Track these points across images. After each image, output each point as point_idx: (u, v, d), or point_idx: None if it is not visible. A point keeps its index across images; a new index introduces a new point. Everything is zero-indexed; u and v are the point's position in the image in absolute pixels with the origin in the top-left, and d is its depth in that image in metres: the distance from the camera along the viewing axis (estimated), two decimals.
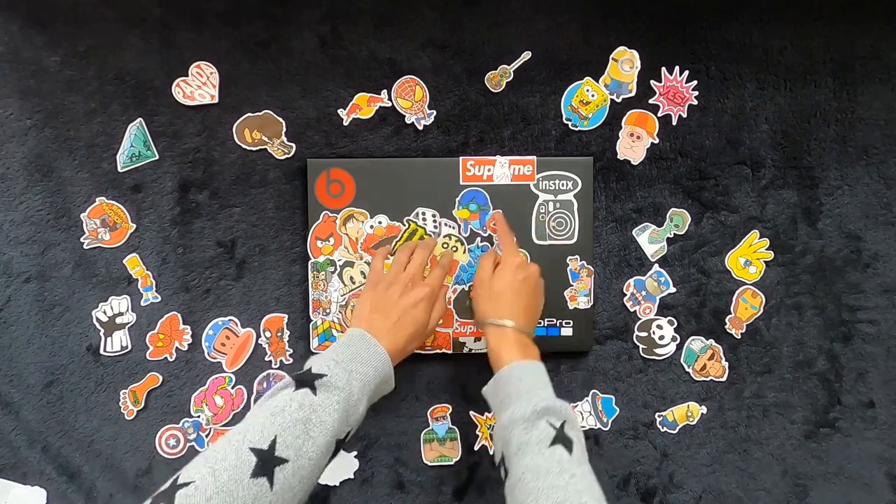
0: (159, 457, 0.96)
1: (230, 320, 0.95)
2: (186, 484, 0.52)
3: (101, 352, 0.94)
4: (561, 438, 0.65)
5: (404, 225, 0.93)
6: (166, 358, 0.95)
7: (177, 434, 0.96)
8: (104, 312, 0.95)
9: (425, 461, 0.97)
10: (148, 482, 0.96)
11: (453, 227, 0.93)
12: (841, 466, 0.97)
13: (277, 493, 0.55)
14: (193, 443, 0.96)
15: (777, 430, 0.97)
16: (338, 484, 0.96)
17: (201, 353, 0.95)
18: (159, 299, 0.95)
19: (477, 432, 0.97)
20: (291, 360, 0.96)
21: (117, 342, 0.95)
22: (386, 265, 0.84)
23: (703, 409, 0.97)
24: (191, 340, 0.95)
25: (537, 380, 0.73)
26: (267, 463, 0.56)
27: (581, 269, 0.94)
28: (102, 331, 0.95)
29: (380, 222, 0.93)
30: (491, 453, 0.97)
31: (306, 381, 0.64)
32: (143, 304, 0.95)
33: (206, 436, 0.96)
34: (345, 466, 0.96)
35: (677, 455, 0.97)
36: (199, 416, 0.95)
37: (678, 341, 0.97)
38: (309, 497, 0.98)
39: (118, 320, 0.95)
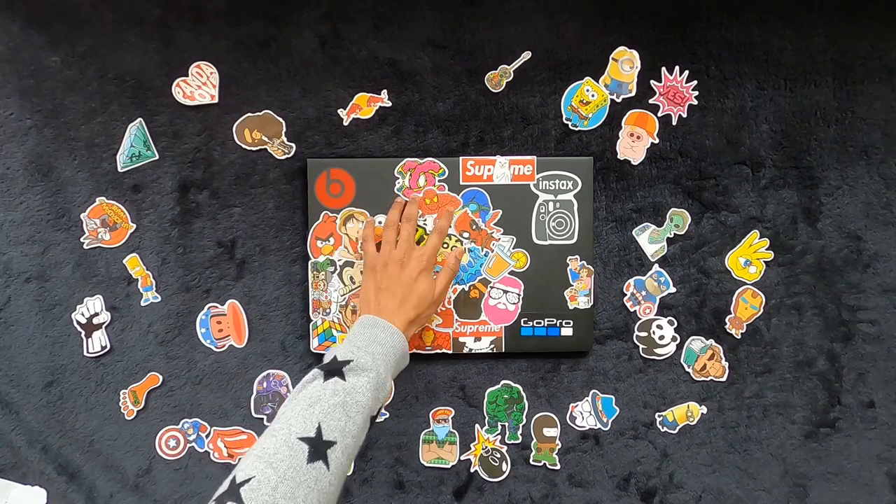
0: (159, 457, 0.96)
1: (210, 306, 0.95)
2: (247, 480, 0.55)
3: (85, 353, 0.94)
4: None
5: None
6: (167, 358, 0.95)
7: (177, 435, 0.96)
8: (82, 314, 0.94)
9: (422, 461, 0.97)
10: (148, 482, 0.96)
11: (452, 227, 0.93)
12: (841, 466, 0.97)
13: (333, 472, 0.60)
14: (193, 444, 0.96)
15: (777, 430, 0.97)
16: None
17: (203, 353, 0.95)
18: (159, 299, 0.95)
19: (471, 445, 0.97)
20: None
21: (97, 342, 0.95)
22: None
23: (703, 409, 0.97)
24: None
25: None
26: (319, 448, 0.60)
27: (581, 269, 0.94)
28: (83, 332, 0.94)
29: (380, 222, 0.93)
30: (472, 470, 0.97)
31: (334, 369, 0.68)
32: (143, 303, 0.95)
33: (206, 436, 0.96)
34: None
35: (677, 455, 0.97)
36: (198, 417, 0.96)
37: (678, 341, 0.97)
38: None
39: (95, 321, 0.94)
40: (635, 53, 0.94)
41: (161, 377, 0.96)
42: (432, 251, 0.86)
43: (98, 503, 0.96)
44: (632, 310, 0.97)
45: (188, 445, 0.96)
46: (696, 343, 0.97)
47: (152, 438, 0.96)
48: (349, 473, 0.68)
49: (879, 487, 0.98)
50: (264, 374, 0.96)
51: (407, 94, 0.95)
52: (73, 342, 0.95)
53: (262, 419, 0.96)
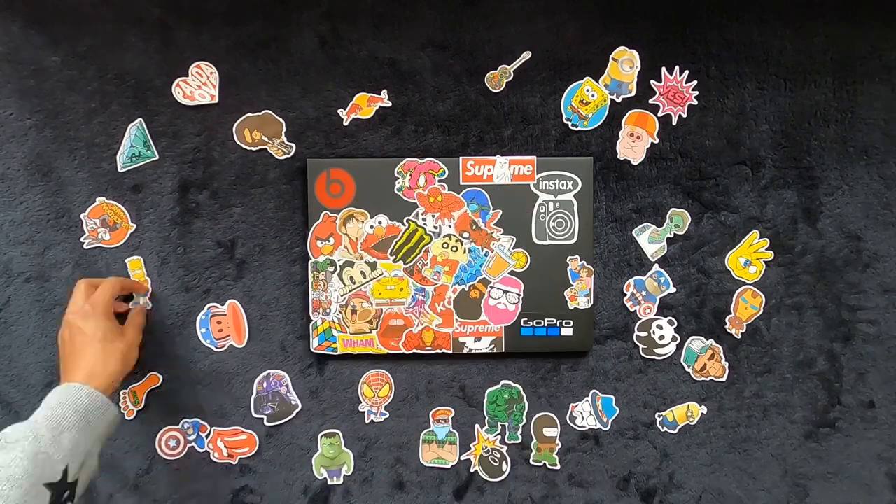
0: (159, 457, 0.96)
1: (210, 306, 0.95)
2: None
3: None
4: None
5: (404, 225, 0.93)
6: (167, 358, 0.95)
7: (177, 435, 0.96)
8: None
9: (422, 461, 0.97)
10: (148, 482, 0.96)
11: (453, 227, 0.93)
12: (841, 466, 0.97)
13: None
14: (194, 444, 0.96)
15: (777, 430, 0.97)
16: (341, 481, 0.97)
17: (203, 353, 0.95)
18: (150, 307, 0.95)
19: (471, 445, 0.97)
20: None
21: None
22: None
23: (703, 409, 0.97)
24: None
25: None
26: None
27: (581, 269, 0.94)
28: None
29: (380, 222, 0.93)
30: (472, 470, 0.97)
31: None
32: (130, 306, 0.94)
33: (206, 436, 0.96)
34: None
35: (677, 455, 0.97)
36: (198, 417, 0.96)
37: (678, 341, 0.97)
38: (308, 496, 0.99)
39: None
40: (635, 53, 0.94)
41: (161, 377, 0.96)
42: (101, 299, 0.82)
43: (98, 503, 0.96)
44: (632, 310, 0.97)
45: (188, 445, 0.96)
46: (696, 343, 0.97)
47: (152, 438, 0.96)
48: None
49: (879, 487, 0.98)
50: (264, 374, 0.96)
51: (407, 94, 0.95)
52: None
53: (262, 419, 0.96)
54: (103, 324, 0.81)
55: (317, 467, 0.96)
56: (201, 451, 0.96)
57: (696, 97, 0.95)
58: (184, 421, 0.96)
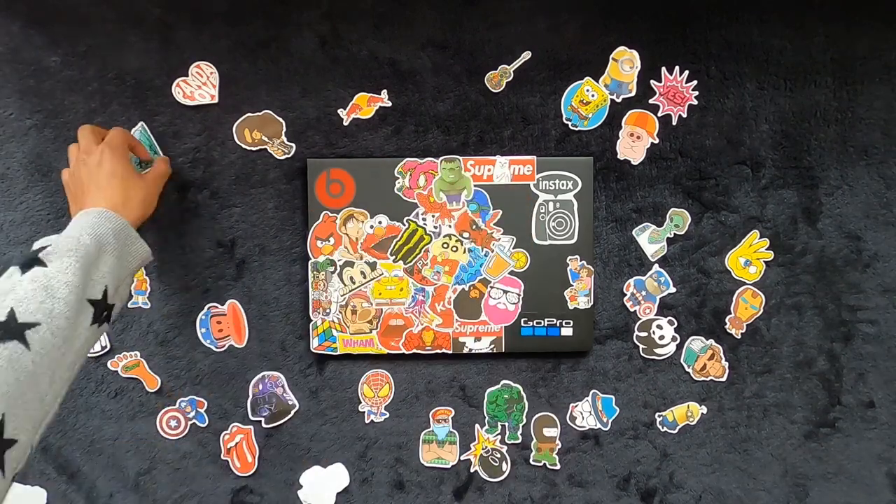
0: (160, 456, 0.96)
1: (210, 306, 0.95)
2: None
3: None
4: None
5: (404, 225, 0.93)
6: (167, 358, 0.95)
7: (177, 416, 0.95)
8: None
9: (422, 461, 0.97)
10: (148, 482, 0.96)
11: (453, 227, 0.93)
12: (841, 466, 0.97)
13: (38, 351, 0.57)
14: (195, 420, 0.96)
15: (777, 430, 0.97)
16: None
17: (203, 353, 0.95)
18: (149, 305, 0.95)
19: (471, 445, 0.97)
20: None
21: (97, 343, 0.94)
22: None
23: (703, 409, 0.97)
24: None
25: None
26: (10, 330, 0.56)
27: (581, 269, 0.94)
28: None
29: (380, 222, 0.93)
30: (472, 470, 0.97)
31: (30, 260, 0.63)
32: (129, 305, 0.94)
33: (204, 409, 0.96)
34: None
35: (677, 455, 0.97)
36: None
37: (678, 341, 0.97)
38: None
39: None
40: (635, 53, 0.94)
41: (161, 377, 0.96)
42: (116, 137, 0.82)
43: (98, 503, 0.96)
44: (632, 310, 0.97)
45: (189, 423, 0.96)
46: (696, 343, 0.97)
47: (153, 438, 0.96)
48: (77, 364, 0.65)
49: (879, 487, 0.98)
50: (259, 376, 0.96)
51: (407, 94, 0.95)
52: None
53: (260, 421, 0.96)
54: (122, 163, 0.79)
55: (437, 192, 0.93)
56: (203, 426, 0.96)
57: (696, 97, 0.95)
58: (180, 400, 0.95)
